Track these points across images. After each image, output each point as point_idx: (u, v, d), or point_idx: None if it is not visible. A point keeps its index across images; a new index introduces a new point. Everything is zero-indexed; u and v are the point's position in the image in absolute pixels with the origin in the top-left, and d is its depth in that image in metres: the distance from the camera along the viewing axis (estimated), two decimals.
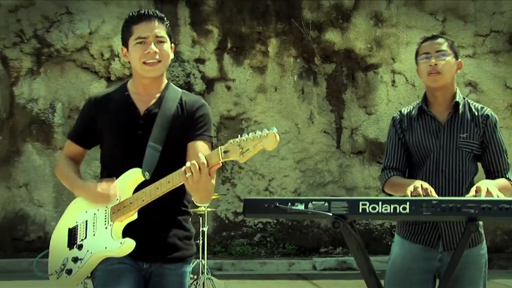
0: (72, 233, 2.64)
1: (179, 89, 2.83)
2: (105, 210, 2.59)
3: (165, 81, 2.79)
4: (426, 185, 2.58)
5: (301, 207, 2.30)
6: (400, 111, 3.07)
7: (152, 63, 2.60)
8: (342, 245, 9.78)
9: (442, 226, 2.86)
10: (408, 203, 2.21)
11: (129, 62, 2.74)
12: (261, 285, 7.63)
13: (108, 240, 2.52)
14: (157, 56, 2.60)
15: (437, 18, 10.30)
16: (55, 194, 9.74)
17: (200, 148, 2.59)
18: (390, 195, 2.91)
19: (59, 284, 2.63)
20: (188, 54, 9.99)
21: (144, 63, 2.60)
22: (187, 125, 2.68)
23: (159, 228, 2.59)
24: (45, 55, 9.88)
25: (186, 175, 2.30)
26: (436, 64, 2.86)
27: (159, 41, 2.63)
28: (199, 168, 2.27)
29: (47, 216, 9.72)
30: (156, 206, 2.50)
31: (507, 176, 2.89)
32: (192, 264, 6.77)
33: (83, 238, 2.58)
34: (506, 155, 2.95)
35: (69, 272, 2.57)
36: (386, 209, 2.22)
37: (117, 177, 2.61)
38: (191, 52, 9.99)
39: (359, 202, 2.25)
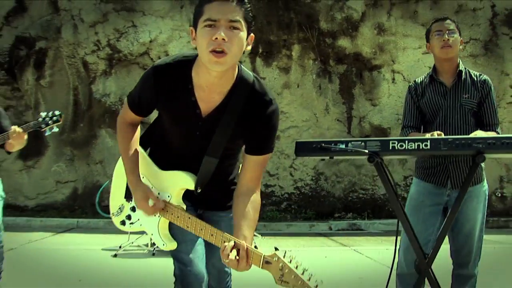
0: None
1: (249, 80, 2.02)
2: (157, 198, 2.16)
3: (235, 72, 1.99)
4: (439, 132, 2.62)
5: (342, 146, 2.26)
6: (415, 81, 3.11)
7: (218, 54, 1.79)
8: (352, 211, 9.79)
9: (450, 168, 2.90)
10: (429, 141, 2.21)
11: (195, 49, 1.95)
12: (289, 240, 7.69)
13: (155, 231, 2.17)
14: (224, 45, 1.78)
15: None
16: None
17: (262, 164, 2.08)
18: None
19: (116, 224, 2.35)
20: None
21: (211, 52, 1.79)
22: (251, 132, 2.03)
23: (215, 191, 2.20)
24: (116, 59, 9.99)
25: (224, 259, 1.82)
26: (448, 40, 2.90)
27: (232, 27, 1.81)
28: (238, 262, 1.81)
29: None
30: (213, 179, 2.15)
31: (497, 130, 2.92)
32: None
33: None
34: (497, 113, 2.98)
35: (123, 223, 2.29)
36: (411, 146, 2.21)
37: (166, 163, 2.18)
38: None
39: (390, 141, 2.24)
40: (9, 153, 3.83)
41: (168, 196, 2.13)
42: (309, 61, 10.11)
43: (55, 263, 5.63)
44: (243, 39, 1.85)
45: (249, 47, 1.92)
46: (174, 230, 2.15)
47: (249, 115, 2.00)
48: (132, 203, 2.24)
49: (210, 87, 1.96)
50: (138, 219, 2.23)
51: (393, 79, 10.13)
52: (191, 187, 2.10)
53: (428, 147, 2.21)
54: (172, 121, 2.10)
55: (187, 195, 2.16)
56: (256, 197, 2.05)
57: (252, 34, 1.91)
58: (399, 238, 2.54)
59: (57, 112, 3.63)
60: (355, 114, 10.09)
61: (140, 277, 4.92)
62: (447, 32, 2.91)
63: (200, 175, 2.10)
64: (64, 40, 10.03)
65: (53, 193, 9.93)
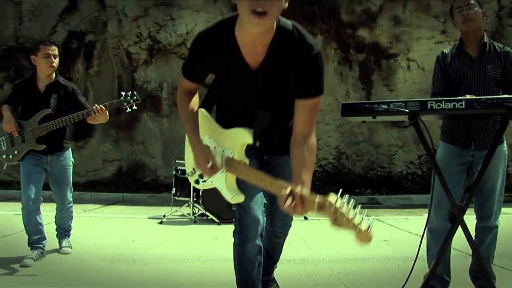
0: None
1: (289, 29, 1.93)
2: (222, 155, 2.15)
3: (275, 24, 1.90)
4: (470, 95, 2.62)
5: (384, 107, 2.23)
6: (443, 51, 3.05)
7: (259, 15, 1.70)
8: (371, 187, 9.77)
9: (473, 132, 2.89)
10: (463, 100, 2.17)
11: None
12: None
13: (223, 186, 2.15)
14: (265, 4, 1.70)
15: (439, 20, 10.06)
16: (162, 149, 9.96)
17: (313, 108, 1.98)
18: None
19: (191, 183, 2.38)
20: None
21: (253, 12, 1.70)
22: (298, 76, 1.93)
23: (276, 138, 2.20)
24: (156, 49, 10.05)
25: (281, 206, 1.72)
26: (468, 14, 2.85)
27: None
28: (294, 208, 1.72)
29: (157, 164, 10.00)
30: (273, 128, 2.13)
31: None
32: None
33: None
34: None
35: (197, 182, 2.32)
36: (448, 106, 2.17)
37: (228, 122, 2.16)
38: None
39: (428, 102, 2.21)
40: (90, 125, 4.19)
41: (231, 153, 2.11)
42: (331, 50, 10.06)
43: (108, 227, 5.79)
44: None
45: (286, 4, 1.80)
46: (239, 184, 2.16)
47: (294, 62, 1.92)
48: None
49: (253, 41, 1.90)
50: (209, 177, 2.22)
51: (408, 66, 10.04)
52: (250, 141, 2.07)
53: (463, 106, 2.17)
54: (225, 80, 2.07)
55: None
56: (311, 141, 1.99)
57: None
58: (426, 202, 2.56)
59: (135, 93, 3.81)
60: (374, 98, 9.97)
61: (185, 238, 5.04)
62: (466, 7, 2.87)
63: (256, 129, 2.06)
64: (110, 33, 10.15)
65: (101, 171, 10.09)
